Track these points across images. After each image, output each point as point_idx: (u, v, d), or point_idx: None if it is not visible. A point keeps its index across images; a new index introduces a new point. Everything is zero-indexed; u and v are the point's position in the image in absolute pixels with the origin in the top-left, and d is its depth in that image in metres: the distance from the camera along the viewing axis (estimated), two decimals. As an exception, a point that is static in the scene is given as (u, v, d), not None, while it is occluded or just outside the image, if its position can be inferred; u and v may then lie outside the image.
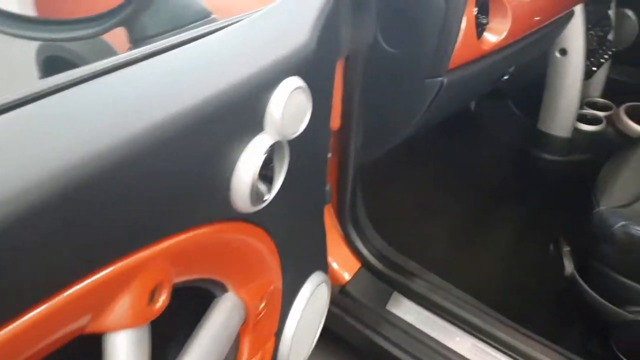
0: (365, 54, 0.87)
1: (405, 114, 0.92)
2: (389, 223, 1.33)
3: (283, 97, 0.50)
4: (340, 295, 1.11)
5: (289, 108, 0.51)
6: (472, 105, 1.52)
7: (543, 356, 0.94)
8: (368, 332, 1.04)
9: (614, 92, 1.59)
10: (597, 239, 0.90)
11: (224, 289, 0.59)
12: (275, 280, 0.66)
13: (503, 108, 1.47)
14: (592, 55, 1.30)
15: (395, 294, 1.10)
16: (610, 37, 1.40)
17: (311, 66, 0.55)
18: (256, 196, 0.51)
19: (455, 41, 0.81)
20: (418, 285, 1.09)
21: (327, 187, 0.91)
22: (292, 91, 0.51)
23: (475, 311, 1.03)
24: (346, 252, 1.13)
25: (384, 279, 1.11)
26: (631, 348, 0.91)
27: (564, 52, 1.24)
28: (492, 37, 0.89)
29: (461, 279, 1.21)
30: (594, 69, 1.29)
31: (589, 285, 0.93)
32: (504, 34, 0.89)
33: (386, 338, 1.02)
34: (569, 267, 0.96)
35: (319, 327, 0.86)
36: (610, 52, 1.36)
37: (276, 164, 0.54)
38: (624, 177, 1.04)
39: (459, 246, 1.31)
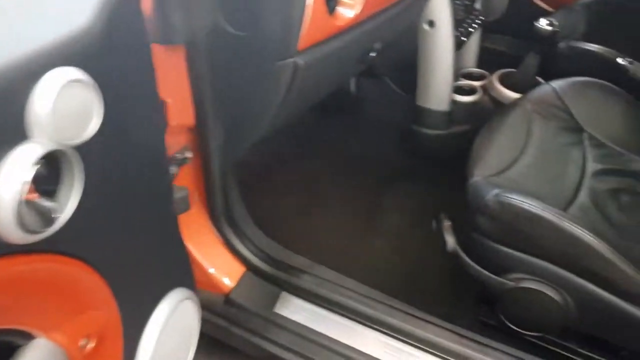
0: (208, 39, 0.78)
1: (264, 102, 0.84)
2: (276, 220, 1.27)
3: (51, 93, 0.40)
4: (225, 305, 1.03)
5: (62, 107, 0.41)
6: (353, 87, 1.49)
7: (436, 337, 0.92)
8: (256, 340, 0.97)
9: (490, 61, 1.62)
10: (473, 210, 0.88)
11: (29, 336, 0.49)
12: (108, 311, 0.56)
13: (382, 86, 1.44)
14: (460, 26, 1.30)
15: (284, 294, 1.03)
16: (477, 5, 1.41)
17: (99, 55, 0.45)
18: (35, 220, 0.41)
19: (301, 18, 0.74)
20: (306, 282, 1.03)
21: (184, 193, 0.81)
22: (63, 85, 0.41)
23: (367, 301, 0.99)
24: (228, 257, 1.04)
25: (271, 280, 1.04)
26: (516, 314, 0.91)
27: (432, 24, 1.22)
28: (346, 12, 0.84)
29: (355, 269, 1.16)
30: (464, 39, 1.29)
31: (471, 258, 0.92)
32: (359, 8, 0.84)
33: (275, 342, 0.95)
34: (450, 242, 0.94)
35: (190, 346, 0.77)
36: (478, 22, 1.37)
37: (64, 177, 0.44)
38: (497, 144, 1.04)
39: (352, 235, 1.27)
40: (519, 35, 1.87)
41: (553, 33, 1.23)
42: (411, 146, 1.43)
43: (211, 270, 1.03)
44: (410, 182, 1.39)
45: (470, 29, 1.33)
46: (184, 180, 0.92)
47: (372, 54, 1.03)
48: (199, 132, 0.88)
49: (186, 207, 0.84)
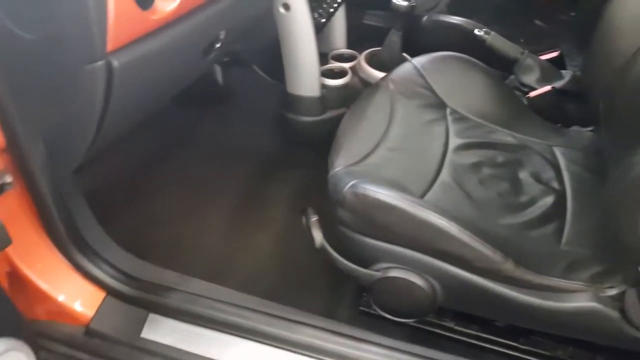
0: (-3, 45, 0.66)
1: (82, 111, 0.74)
2: (139, 232, 1.17)
3: None
4: (86, 337, 0.92)
5: None
6: (220, 77, 1.40)
7: (312, 339, 0.88)
8: (123, 372, 0.88)
9: (364, 37, 1.60)
10: (333, 203, 0.85)
11: None
12: None
13: (251, 74, 1.38)
14: (319, 7, 1.25)
15: (152, 316, 0.94)
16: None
17: None
18: None
19: (103, 17, 0.65)
20: (175, 299, 0.95)
21: (-2, 226, 0.70)
22: None
23: (242, 312, 0.93)
24: (82, 282, 0.94)
25: (136, 302, 0.95)
26: (388, 303, 0.89)
27: (287, 7, 1.16)
28: (165, 5, 0.75)
29: (231, 275, 1.10)
30: (323, 20, 1.25)
31: (339, 252, 0.89)
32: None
33: (144, 372, 0.87)
34: (318, 238, 0.90)
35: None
36: (339, 0, 1.33)
37: None
38: (359, 130, 1.01)
39: (229, 235, 1.20)
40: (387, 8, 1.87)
41: (411, 8, 1.21)
42: (286, 134, 1.38)
43: (63, 300, 0.92)
44: (288, 171, 1.34)
45: (330, 9, 1.28)
46: (10, 206, 0.81)
47: (217, 45, 0.95)
48: (12, 154, 0.76)
49: (5, 243, 0.73)
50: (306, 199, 1.24)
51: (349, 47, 1.49)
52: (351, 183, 0.82)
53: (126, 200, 1.24)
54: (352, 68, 1.37)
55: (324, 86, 1.31)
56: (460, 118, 1.09)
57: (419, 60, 1.15)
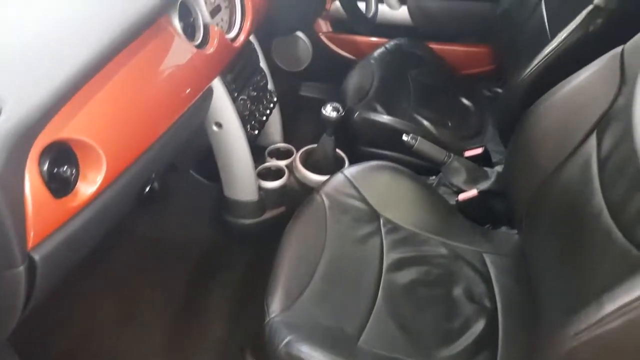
0: None
1: (3, 310, 0.72)
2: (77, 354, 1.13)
3: None
4: None
5: None
6: (156, 184, 1.38)
7: None
8: None
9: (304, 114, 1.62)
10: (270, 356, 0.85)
11: None
12: None
13: (188, 178, 1.36)
14: (253, 118, 1.26)
15: None
16: (270, 86, 1.38)
17: None
18: None
19: (21, 218, 0.63)
20: None
21: None
22: None
23: None
24: None
25: None
26: None
27: (219, 125, 1.17)
28: (86, 189, 0.74)
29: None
30: (256, 132, 1.25)
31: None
32: (100, 179, 0.74)
33: None
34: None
35: None
36: (272, 105, 1.34)
37: None
38: (292, 260, 1.01)
39: (168, 355, 1.18)
40: (328, 81, 1.91)
41: (340, 118, 1.24)
42: (224, 235, 1.37)
43: None
44: (227, 273, 1.34)
45: (264, 118, 1.29)
46: None
47: (149, 187, 0.94)
48: None
49: None
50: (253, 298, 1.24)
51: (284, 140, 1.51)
52: (286, 340, 0.82)
53: (57, 314, 1.20)
54: (288, 166, 1.38)
55: (261, 188, 1.32)
56: (393, 228, 1.12)
57: (351, 171, 1.18)
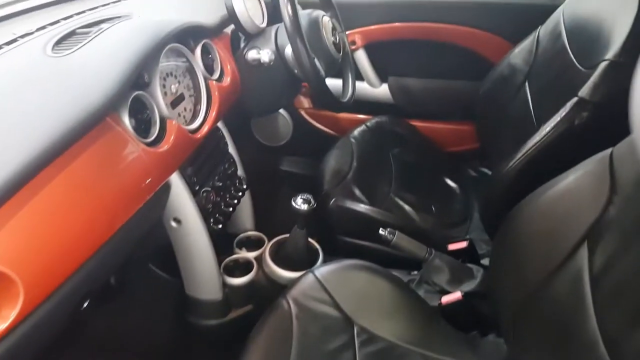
0: None
1: None
2: None
3: None
4: None
5: None
6: (112, 278, 1.27)
7: None
8: None
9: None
10: None
11: None
12: None
13: (147, 272, 1.26)
14: (218, 210, 1.16)
15: None
16: (240, 172, 1.30)
17: None
18: None
19: None
20: None
21: None
22: None
23: None
24: None
25: None
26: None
27: (178, 221, 1.07)
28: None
29: None
30: (220, 226, 1.16)
31: None
32: (14, 314, 0.64)
33: None
34: None
35: None
36: (241, 193, 1.26)
37: None
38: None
39: None
40: (309, 156, 1.85)
41: (312, 210, 1.15)
42: (187, 338, 1.25)
43: None
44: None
45: (230, 209, 1.20)
46: None
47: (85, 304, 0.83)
48: None
49: None
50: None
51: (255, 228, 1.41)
52: None
53: None
54: (258, 259, 1.27)
55: (226, 285, 1.21)
56: (368, 339, 1.01)
57: (322, 272, 1.08)
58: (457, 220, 1.42)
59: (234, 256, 1.27)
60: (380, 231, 1.15)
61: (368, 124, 1.66)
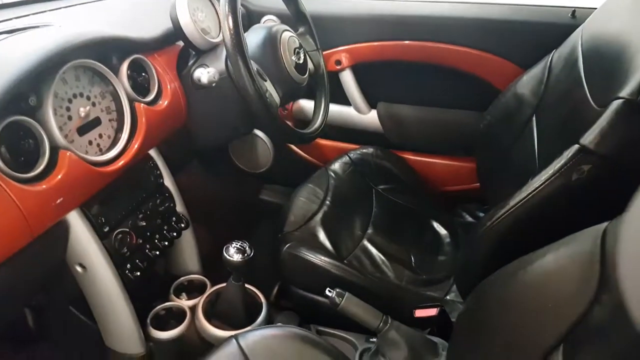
0: None
1: None
2: None
3: None
4: None
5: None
6: (31, 321, 1.13)
7: None
8: None
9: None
10: None
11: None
12: None
13: (67, 317, 1.10)
14: (137, 256, 0.99)
15: None
16: (179, 208, 1.12)
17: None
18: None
19: None
20: None
21: None
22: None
23: None
24: None
25: None
26: None
27: (83, 267, 0.92)
28: None
29: None
30: (138, 274, 0.99)
31: None
32: None
33: None
34: None
35: None
36: (176, 233, 1.08)
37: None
38: None
39: None
40: (291, 184, 1.68)
41: (245, 262, 0.97)
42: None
43: None
44: None
45: (157, 252, 1.03)
46: None
47: None
48: None
49: None
50: None
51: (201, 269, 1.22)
52: None
53: None
54: (193, 308, 1.10)
55: (151, 338, 1.04)
56: None
57: (248, 340, 0.88)
58: (438, 277, 1.20)
59: (167, 304, 1.10)
60: (327, 292, 0.95)
61: (351, 154, 1.47)
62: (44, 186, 0.77)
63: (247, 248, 0.97)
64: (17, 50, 0.82)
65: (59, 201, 0.80)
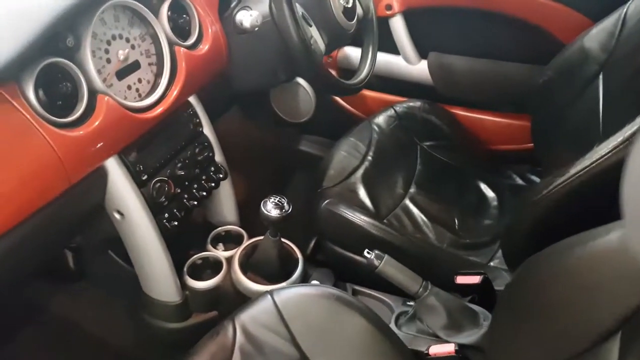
0: None
1: None
2: None
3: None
4: None
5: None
6: (71, 263, 1.15)
7: None
8: None
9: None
10: None
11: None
12: None
13: (107, 259, 1.12)
14: (174, 205, 0.97)
15: None
16: (218, 158, 1.09)
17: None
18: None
19: None
20: None
21: None
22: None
23: None
24: None
25: None
26: None
27: (121, 214, 0.91)
28: None
29: None
30: (175, 223, 0.97)
31: None
32: None
33: None
34: None
35: None
36: (214, 184, 1.06)
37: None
38: None
39: None
40: (332, 136, 1.65)
41: (283, 218, 0.94)
42: (143, 336, 1.11)
43: None
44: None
45: (194, 202, 1.01)
46: None
47: None
48: None
49: None
50: None
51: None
52: None
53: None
54: (229, 260, 1.09)
55: (187, 287, 1.04)
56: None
57: (282, 296, 0.87)
58: (482, 241, 1.14)
59: (204, 253, 1.10)
60: (366, 253, 0.92)
61: (397, 107, 1.39)
62: (81, 132, 0.75)
63: (285, 204, 0.94)
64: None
65: (96, 147, 0.79)
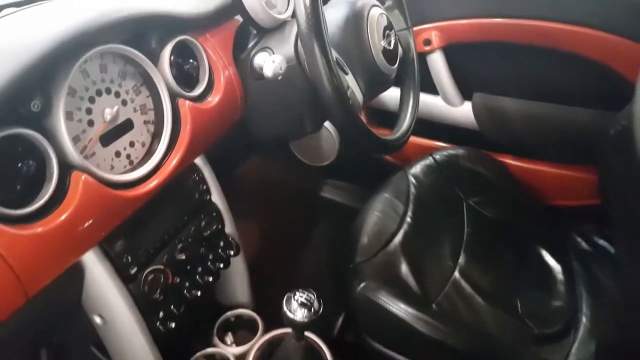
0: None
1: None
2: None
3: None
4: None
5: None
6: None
7: None
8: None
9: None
10: None
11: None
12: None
13: (91, 357, 0.91)
14: (172, 300, 0.74)
15: None
16: (229, 229, 0.88)
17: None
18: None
19: None
20: None
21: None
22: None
23: None
24: None
25: None
26: None
27: (103, 317, 0.70)
28: None
29: None
30: (172, 325, 0.75)
31: None
32: None
33: None
34: None
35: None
36: (223, 263, 0.85)
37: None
38: None
39: None
40: (357, 182, 1.45)
41: (310, 323, 0.72)
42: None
43: None
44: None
45: (198, 293, 0.80)
46: None
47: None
48: None
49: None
50: None
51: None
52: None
53: None
54: (240, 358, 0.87)
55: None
56: None
57: None
58: (555, 331, 0.93)
59: (210, 350, 0.88)
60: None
61: (437, 155, 1.19)
62: (45, 227, 0.55)
63: (314, 301, 0.73)
64: (19, 34, 0.59)
65: (68, 243, 0.58)
